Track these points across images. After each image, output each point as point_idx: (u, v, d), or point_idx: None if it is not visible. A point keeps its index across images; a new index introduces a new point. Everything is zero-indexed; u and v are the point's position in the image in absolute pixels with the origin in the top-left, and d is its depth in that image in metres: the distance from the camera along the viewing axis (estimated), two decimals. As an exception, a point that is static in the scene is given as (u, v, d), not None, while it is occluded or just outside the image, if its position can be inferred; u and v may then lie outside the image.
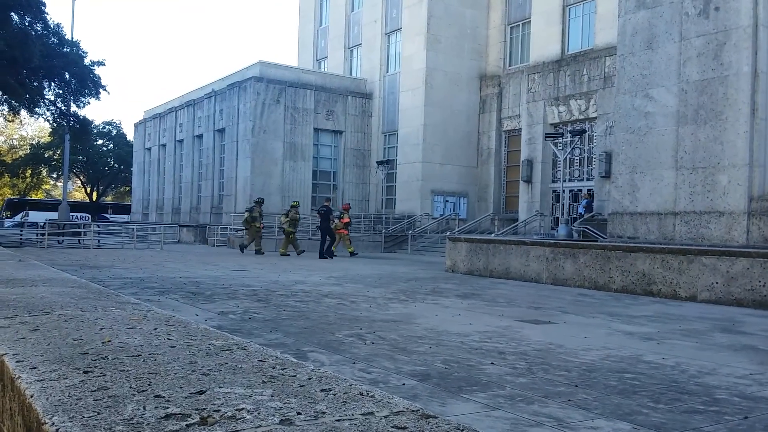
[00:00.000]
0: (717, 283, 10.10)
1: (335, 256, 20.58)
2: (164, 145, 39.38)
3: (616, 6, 15.45)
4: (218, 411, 1.38)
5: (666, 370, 4.99)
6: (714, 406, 3.93)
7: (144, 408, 1.42)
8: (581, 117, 24.40)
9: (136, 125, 44.32)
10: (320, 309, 8.06)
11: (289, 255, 20.70)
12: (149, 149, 41.80)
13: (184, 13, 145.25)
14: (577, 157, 24.81)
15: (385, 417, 1.34)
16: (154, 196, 41.02)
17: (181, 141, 37.04)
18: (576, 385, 4.38)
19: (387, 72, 31.40)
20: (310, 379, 1.64)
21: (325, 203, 21.30)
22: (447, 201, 28.83)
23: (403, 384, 4.23)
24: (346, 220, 21.66)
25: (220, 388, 1.57)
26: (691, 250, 10.67)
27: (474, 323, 7.19)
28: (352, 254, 21.64)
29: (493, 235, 22.79)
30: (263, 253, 21.52)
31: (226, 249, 26.54)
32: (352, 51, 34.23)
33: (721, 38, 12.61)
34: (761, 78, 12.21)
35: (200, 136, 34.55)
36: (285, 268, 15.28)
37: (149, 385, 1.62)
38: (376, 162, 30.71)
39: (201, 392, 1.54)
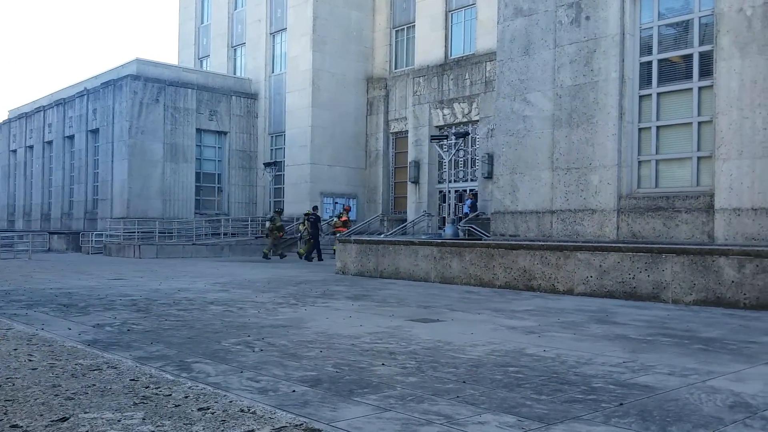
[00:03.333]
0: (591, 276, 10.71)
1: (321, 259, 21.87)
2: (31, 147, 36.73)
3: (495, 13, 16.05)
4: (82, 440, 1.25)
5: (547, 362, 5.20)
6: (592, 395, 4.13)
7: (-5, 442, 1.26)
8: (464, 120, 25.18)
9: (0, 126, 41.16)
10: (205, 317, 7.77)
11: (308, 259, 22.19)
12: (14, 151, 38.88)
13: (54, 5, 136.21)
14: (462, 159, 25.58)
15: (268, 434, 1.27)
16: (20, 202, 38.19)
17: (50, 142, 34.69)
18: (464, 381, 4.46)
19: (273, 72, 30.93)
20: (186, 397, 1.53)
21: (314, 211, 22.86)
22: (337, 203, 28.82)
23: (294, 391, 4.13)
24: (344, 219, 23.64)
25: (86, 413, 1.43)
26: (567, 246, 11.26)
27: (365, 324, 7.19)
28: None
29: (382, 235, 23.03)
30: (269, 259, 22.51)
31: (102, 257, 25.13)
32: (236, 50, 33.44)
33: (592, 46, 13.41)
34: (628, 84, 13.10)
35: (72, 137, 32.50)
36: (167, 276, 14.66)
37: (5, 413, 1.45)
38: (263, 164, 30.15)
39: (64, 419, 1.39)
